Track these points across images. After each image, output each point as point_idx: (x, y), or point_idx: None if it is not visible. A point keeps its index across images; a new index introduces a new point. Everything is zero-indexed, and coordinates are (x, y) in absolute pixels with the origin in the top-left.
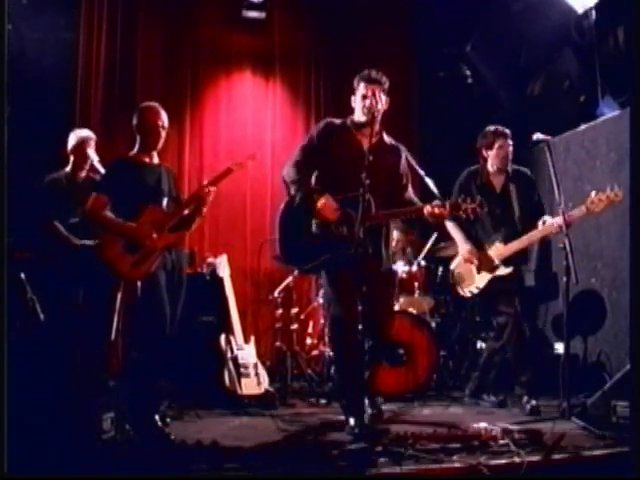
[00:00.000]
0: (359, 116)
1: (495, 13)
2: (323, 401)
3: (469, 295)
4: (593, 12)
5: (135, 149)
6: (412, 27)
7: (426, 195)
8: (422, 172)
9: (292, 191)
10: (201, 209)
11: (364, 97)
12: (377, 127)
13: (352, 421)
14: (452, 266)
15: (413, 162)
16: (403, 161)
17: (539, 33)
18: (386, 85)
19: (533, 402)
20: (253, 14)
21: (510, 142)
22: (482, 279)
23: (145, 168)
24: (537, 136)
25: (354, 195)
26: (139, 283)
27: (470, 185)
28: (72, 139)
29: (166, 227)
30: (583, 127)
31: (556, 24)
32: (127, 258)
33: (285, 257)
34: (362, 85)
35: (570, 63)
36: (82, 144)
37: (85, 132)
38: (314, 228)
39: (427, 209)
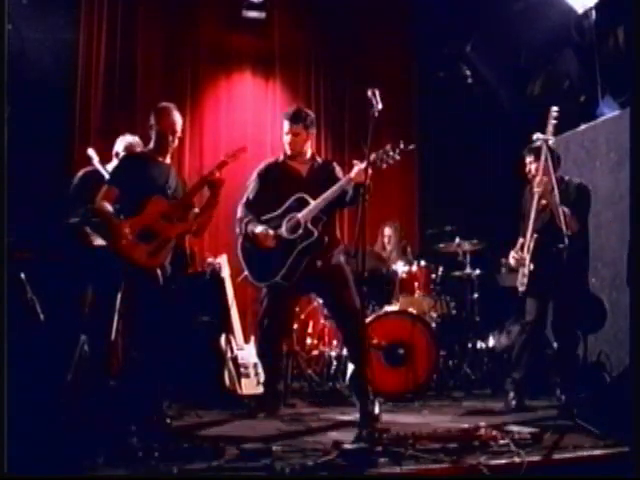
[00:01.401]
0: (286, 149)
1: (495, 13)
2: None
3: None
4: (593, 12)
5: (150, 146)
6: (412, 27)
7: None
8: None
9: (237, 228)
10: (216, 195)
11: (285, 133)
12: (307, 154)
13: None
14: None
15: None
16: (335, 173)
17: (539, 33)
18: (308, 120)
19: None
20: (253, 14)
21: (531, 160)
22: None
23: (155, 165)
24: (537, 136)
25: (292, 201)
26: (159, 271)
27: (525, 194)
28: (120, 144)
29: (174, 217)
30: (583, 127)
31: (556, 24)
32: (142, 247)
33: (255, 278)
34: (285, 123)
35: (570, 63)
36: (129, 149)
37: (131, 138)
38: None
39: (353, 173)
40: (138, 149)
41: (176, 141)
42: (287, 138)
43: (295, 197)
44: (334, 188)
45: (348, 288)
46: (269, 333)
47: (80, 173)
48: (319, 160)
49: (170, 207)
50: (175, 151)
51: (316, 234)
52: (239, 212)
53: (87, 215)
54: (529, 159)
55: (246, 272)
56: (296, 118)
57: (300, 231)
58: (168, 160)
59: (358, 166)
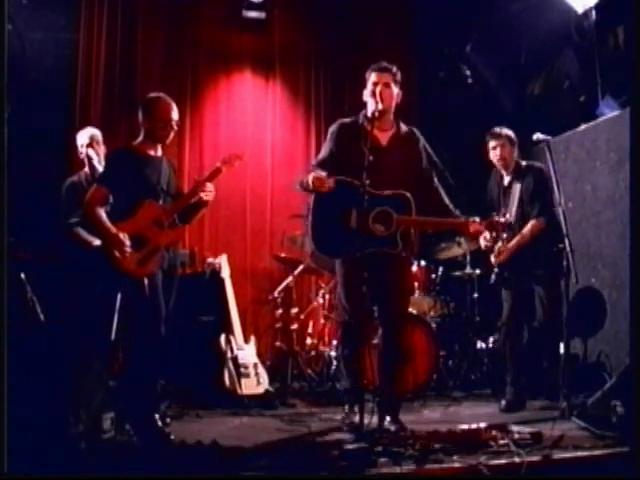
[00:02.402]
0: (371, 107)
1: (495, 13)
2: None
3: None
4: (593, 12)
5: (140, 139)
6: (412, 27)
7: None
8: (450, 178)
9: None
10: (202, 204)
11: (375, 84)
12: (391, 117)
13: (347, 407)
14: None
15: (438, 161)
16: (419, 147)
17: (539, 33)
18: (398, 76)
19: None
20: (253, 14)
21: (501, 141)
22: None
23: (148, 161)
24: (537, 136)
25: (393, 193)
26: (146, 281)
27: (491, 182)
28: (81, 139)
29: (165, 223)
30: (583, 127)
31: (556, 24)
32: (131, 255)
33: (321, 248)
34: (373, 75)
35: (570, 63)
36: (92, 142)
37: (90, 130)
38: (353, 222)
39: (472, 226)
40: (99, 138)
41: (172, 132)
42: (376, 89)
43: (393, 193)
44: (446, 222)
45: None
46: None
47: (66, 184)
48: (402, 127)
49: (162, 213)
50: (175, 151)
51: (399, 249)
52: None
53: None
54: (493, 144)
55: (311, 245)
56: (385, 68)
57: (383, 230)
58: (159, 152)
59: (478, 223)
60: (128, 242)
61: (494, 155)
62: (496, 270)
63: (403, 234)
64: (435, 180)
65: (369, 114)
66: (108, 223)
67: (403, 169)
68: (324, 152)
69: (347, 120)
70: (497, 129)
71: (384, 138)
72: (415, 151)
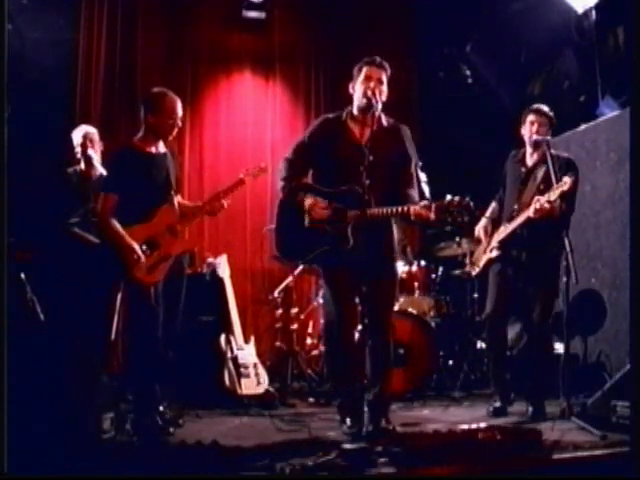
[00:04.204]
0: (359, 102)
1: (495, 13)
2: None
3: (473, 274)
4: (593, 12)
5: (140, 135)
6: (412, 27)
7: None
8: (420, 163)
9: (280, 187)
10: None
11: (368, 78)
12: (377, 114)
13: (348, 421)
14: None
15: (413, 150)
16: (406, 147)
17: (539, 33)
18: (389, 72)
19: (497, 404)
20: (253, 14)
21: (542, 120)
22: (482, 260)
23: (154, 160)
24: (537, 136)
25: (348, 188)
26: (152, 289)
27: (508, 163)
28: (76, 138)
29: (179, 231)
30: (583, 127)
31: (556, 24)
32: (142, 262)
33: (280, 251)
34: (366, 68)
35: (570, 63)
36: (85, 141)
37: (83, 128)
38: (307, 224)
39: (413, 210)
40: (95, 137)
41: (176, 128)
42: (369, 85)
43: (348, 188)
44: (390, 211)
45: None
46: (344, 332)
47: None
48: (385, 123)
49: (178, 220)
50: (175, 151)
51: (350, 244)
52: (281, 170)
53: (87, 216)
54: (532, 118)
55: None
56: (381, 64)
57: (337, 231)
58: (162, 148)
59: (423, 207)
60: (143, 258)
61: (530, 130)
62: (496, 246)
63: (357, 229)
64: (411, 183)
65: (355, 110)
66: (126, 236)
67: (377, 166)
68: (301, 147)
69: (331, 115)
70: (540, 106)
71: (365, 135)
72: (397, 149)
